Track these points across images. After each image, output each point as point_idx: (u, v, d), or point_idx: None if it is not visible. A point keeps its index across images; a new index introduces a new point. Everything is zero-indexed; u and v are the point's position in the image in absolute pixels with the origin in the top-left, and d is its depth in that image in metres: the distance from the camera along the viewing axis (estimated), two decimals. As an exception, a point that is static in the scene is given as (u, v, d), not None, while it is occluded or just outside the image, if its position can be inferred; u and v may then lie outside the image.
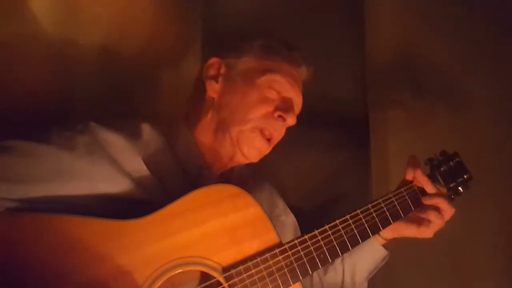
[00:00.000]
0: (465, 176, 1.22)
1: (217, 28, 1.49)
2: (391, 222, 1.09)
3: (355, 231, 1.04)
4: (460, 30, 1.60)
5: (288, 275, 0.96)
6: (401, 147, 1.59)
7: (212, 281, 0.93)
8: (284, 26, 1.54)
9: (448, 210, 1.12)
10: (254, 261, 0.94)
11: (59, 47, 1.17)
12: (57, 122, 0.97)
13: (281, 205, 1.26)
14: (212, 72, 1.14)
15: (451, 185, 1.21)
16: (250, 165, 1.21)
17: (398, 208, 1.11)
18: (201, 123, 1.11)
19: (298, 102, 1.15)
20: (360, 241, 1.04)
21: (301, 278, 0.97)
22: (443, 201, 1.12)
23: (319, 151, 1.57)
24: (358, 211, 1.06)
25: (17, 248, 0.81)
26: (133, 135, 1.01)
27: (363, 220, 1.05)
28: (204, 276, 0.94)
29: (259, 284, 0.93)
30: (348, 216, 1.05)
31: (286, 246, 0.98)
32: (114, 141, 0.97)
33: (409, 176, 1.17)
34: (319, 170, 1.57)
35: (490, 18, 1.58)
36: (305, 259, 0.98)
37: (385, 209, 1.09)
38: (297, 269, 0.97)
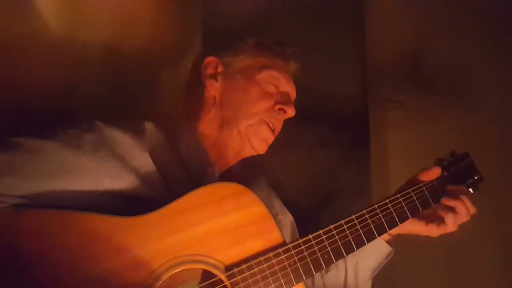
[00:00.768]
0: (475, 178, 1.20)
1: (217, 28, 1.50)
2: (398, 223, 1.08)
3: (361, 231, 1.03)
4: (465, 28, 1.59)
5: (291, 275, 0.95)
6: (401, 147, 1.59)
7: (215, 279, 0.92)
8: (284, 25, 1.53)
9: (464, 216, 1.10)
10: (257, 260, 0.93)
11: (61, 46, 1.17)
12: (59, 121, 0.97)
13: (278, 204, 1.27)
14: (210, 71, 1.17)
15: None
16: (248, 165, 1.22)
17: (406, 209, 1.09)
18: (204, 121, 1.14)
19: (293, 95, 1.21)
20: (366, 242, 1.03)
21: (304, 278, 0.96)
22: (463, 207, 1.10)
23: (319, 150, 1.57)
24: (364, 211, 1.05)
25: (21, 243, 0.81)
26: (138, 132, 1.02)
27: (369, 220, 1.04)
28: (207, 274, 0.93)
29: (261, 283, 0.92)
30: (354, 216, 1.03)
31: (290, 245, 0.97)
32: (120, 138, 0.97)
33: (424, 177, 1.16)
34: (319, 170, 1.57)
35: (494, 17, 1.57)
36: (308, 259, 0.97)
37: (392, 209, 1.07)
38: (301, 269, 0.96)
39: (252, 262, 0.93)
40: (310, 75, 1.52)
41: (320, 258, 0.98)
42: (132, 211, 0.90)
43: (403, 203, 1.09)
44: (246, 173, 1.22)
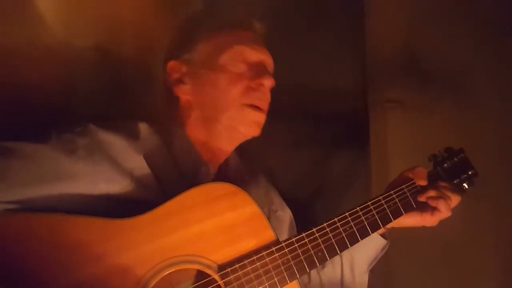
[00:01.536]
0: (469, 173, 1.21)
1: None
2: (392, 219, 1.08)
3: (354, 228, 1.03)
4: (464, 25, 1.58)
5: (285, 273, 0.95)
6: (401, 147, 1.58)
7: (208, 279, 0.92)
8: (284, 25, 1.53)
9: (454, 198, 1.12)
10: (250, 259, 0.93)
11: (56, 49, 1.18)
12: (55, 124, 0.97)
13: (277, 200, 1.26)
14: (175, 75, 1.12)
15: (455, 182, 1.19)
16: (246, 161, 1.21)
17: (399, 205, 1.09)
18: (188, 125, 1.10)
19: (267, 60, 1.13)
20: (360, 239, 1.03)
21: (298, 276, 0.95)
22: (449, 190, 1.12)
23: (319, 150, 1.57)
24: (358, 208, 1.05)
25: (12, 247, 0.81)
26: (132, 135, 1.01)
27: (363, 217, 1.04)
28: (201, 275, 0.93)
29: (255, 282, 0.92)
30: (347, 214, 1.03)
31: (283, 244, 0.97)
32: (114, 141, 0.97)
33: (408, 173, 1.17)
34: (319, 169, 1.57)
35: (495, 14, 1.56)
36: (302, 257, 0.97)
37: (385, 206, 1.08)
38: (294, 267, 0.95)
39: (245, 261, 0.93)
40: (310, 73, 1.54)
41: (314, 256, 0.97)
42: (126, 214, 0.89)
43: (396, 199, 1.09)
44: (244, 169, 1.21)
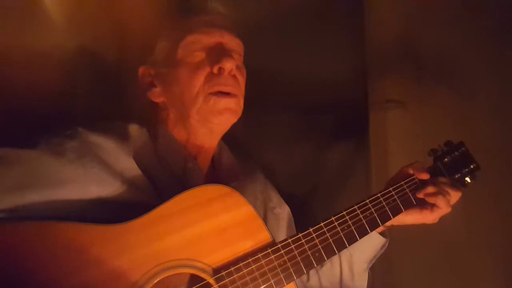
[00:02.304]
0: (471, 166, 1.17)
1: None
2: (391, 217, 1.06)
3: (352, 227, 1.00)
4: (463, 17, 1.56)
5: (281, 275, 0.93)
6: (401, 147, 1.56)
7: (203, 283, 0.90)
8: (284, 24, 1.53)
9: (454, 194, 1.09)
10: (246, 261, 0.92)
11: (47, 51, 1.18)
12: (44, 128, 0.96)
13: (275, 197, 1.24)
14: (146, 80, 1.11)
15: (456, 176, 1.17)
16: (243, 159, 1.20)
17: (398, 202, 1.07)
18: (169, 124, 1.09)
19: (227, 40, 1.07)
20: (358, 238, 1.01)
21: (295, 277, 0.94)
22: (449, 185, 1.09)
23: (319, 150, 1.55)
24: (356, 206, 1.03)
25: (7, 256, 0.79)
26: (122, 136, 1.01)
27: (361, 216, 1.02)
28: (195, 279, 0.91)
29: (250, 285, 0.90)
30: (344, 212, 1.01)
31: (279, 245, 0.95)
32: (104, 143, 0.97)
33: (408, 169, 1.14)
34: (319, 169, 1.56)
35: (494, 6, 1.55)
36: (299, 258, 0.95)
37: (384, 203, 1.05)
38: (291, 269, 0.94)
39: (241, 264, 0.91)
40: (308, 67, 1.53)
41: (311, 257, 0.96)
42: (120, 217, 0.88)
43: (395, 196, 1.07)
44: (239, 167, 1.19)
